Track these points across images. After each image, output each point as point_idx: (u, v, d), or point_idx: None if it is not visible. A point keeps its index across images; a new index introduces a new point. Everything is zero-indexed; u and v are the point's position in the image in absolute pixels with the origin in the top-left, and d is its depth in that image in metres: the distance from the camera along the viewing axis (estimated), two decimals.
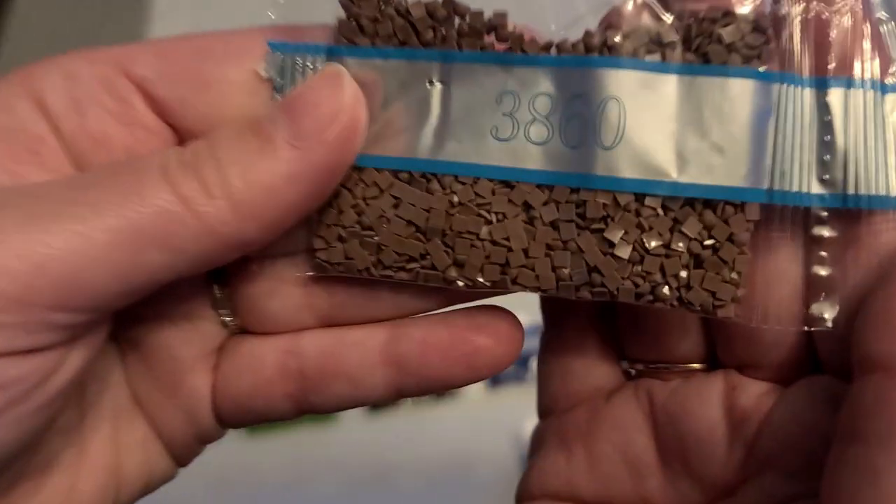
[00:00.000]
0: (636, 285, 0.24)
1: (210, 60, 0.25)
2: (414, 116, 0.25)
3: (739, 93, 0.24)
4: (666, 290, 0.24)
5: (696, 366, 0.28)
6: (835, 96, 0.24)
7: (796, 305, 0.24)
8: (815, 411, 0.24)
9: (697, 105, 0.24)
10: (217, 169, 0.23)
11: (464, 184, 0.25)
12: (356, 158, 0.25)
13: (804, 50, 0.24)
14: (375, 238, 0.26)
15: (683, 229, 0.24)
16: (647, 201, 0.24)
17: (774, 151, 0.24)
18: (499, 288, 0.25)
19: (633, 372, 0.30)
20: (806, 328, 0.24)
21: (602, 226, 0.24)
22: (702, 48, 0.24)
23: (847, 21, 0.24)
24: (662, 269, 0.24)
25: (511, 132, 0.24)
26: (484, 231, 0.25)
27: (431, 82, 0.25)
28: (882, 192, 0.24)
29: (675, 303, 0.24)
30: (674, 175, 0.24)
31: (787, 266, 0.24)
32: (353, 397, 0.27)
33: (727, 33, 0.23)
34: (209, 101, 0.25)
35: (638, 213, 0.24)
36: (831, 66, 0.24)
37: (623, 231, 0.24)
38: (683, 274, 0.24)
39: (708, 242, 0.24)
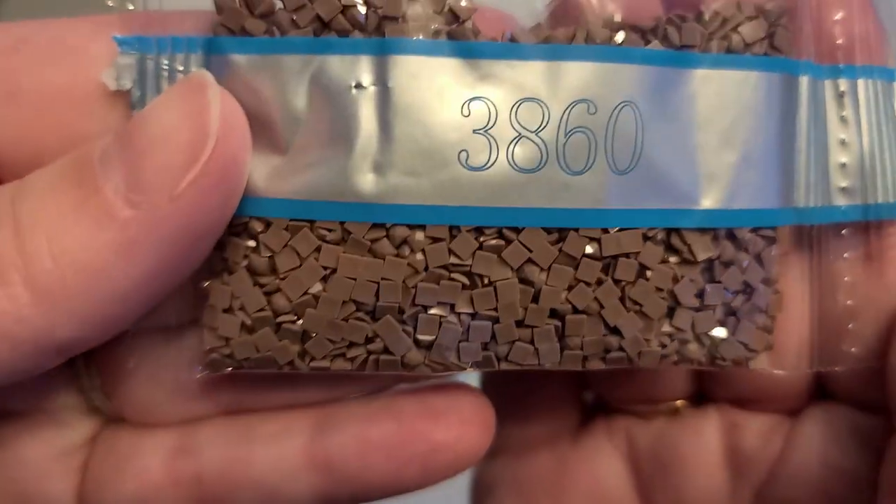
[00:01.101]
0: (663, 346, 0.18)
1: (21, 60, 0.16)
2: (336, 138, 0.17)
3: (769, 90, 0.18)
4: (695, 348, 0.19)
5: (679, 403, 0.23)
6: (847, 87, 0.19)
7: (823, 342, 0.20)
8: (839, 448, 0.21)
9: (724, 107, 0.18)
10: (15, 237, 0.15)
11: (433, 240, 0.17)
12: (255, 205, 0.17)
13: (812, 36, 0.19)
14: (299, 323, 0.17)
15: (716, 273, 0.18)
16: (675, 240, 0.18)
17: (801, 159, 0.19)
18: (482, 369, 0.18)
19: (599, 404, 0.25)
20: (838, 368, 0.20)
21: (629, 276, 0.18)
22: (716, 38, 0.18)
23: (848, 4, 0.19)
24: (693, 325, 0.18)
25: (488, 158, 0.17)
26: (462, 302, 0.17)
27: (359, 85, 0.16)
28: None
29: (704, 361, 0.19)
30: (702, 201, 0.18)
31: (810, 296, 0.20)
32: None
33: (747, 28, 0.18)
34: (17, 120, 0.16)
35: (667, 256, 0.18)
36: (839, 52, 0.19)
37: (656, 279, 0.18)
38: (718, 328, 0.19)
39: (738, 287, 0.19)
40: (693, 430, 0.22)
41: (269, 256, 0.17)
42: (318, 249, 0.17)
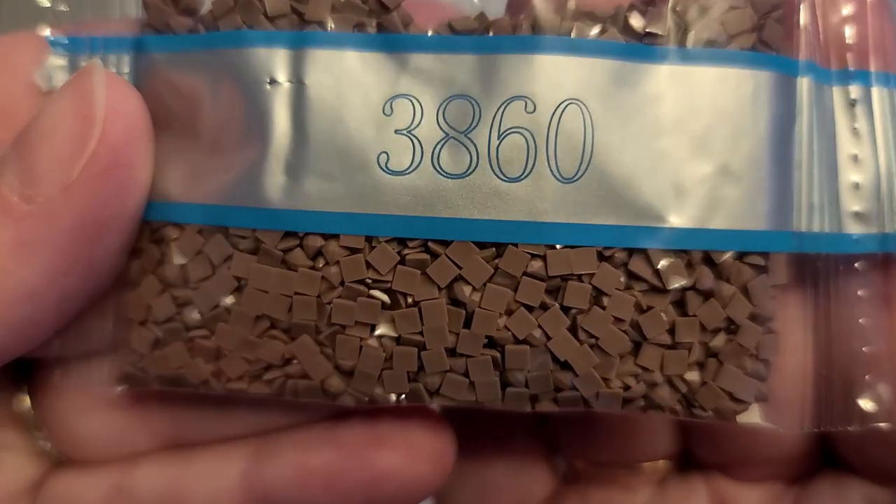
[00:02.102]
0: (625, 388, 0.16)
1: None
2: (251, 138, 0.15)
3: (756, 90, 0.15)
4: (666, 393, 0.16)
5: (661, 463, 0.20)
6: (860, 95, 0.17)
7: (832, 395, 0.17)
8: None
9: (697, 109, 0.15)
10: None
11: (349, 250, 0.15)
12: (171, 210, 0.16)
13: (815, 33, 0.16)
14: (212, 338, 0.16)
15: (690, 304, 0.15)
16: (640, 263, 0.15)
17: (802, 174, 0.16)
18: (412, 402, 0.16)
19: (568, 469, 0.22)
20: (851, 428, 0.17)
21: (581, 303, 0.15)
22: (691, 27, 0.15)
23: (858, 6, 0.17)
24: (663, 366, 0.15)
25: (411, 161, 0.15)
26: (382, 324, 0.16)
27: (274, 81, 0.15)
28: None
29: (679, 409, 0.16)
30: (670, 218, 0.15)
31: (814, 340, 0.17)
32: None
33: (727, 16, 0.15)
34: None
35: (630, 282, 0.15)
36: (849, 55, 0.17)
37: (615, 307, 0.15)
38: (692, 372, 0.16)
39: (720, 324, 0.16)
40: None
41: (182, 265, 0.16)
42: (229, 258, 0.16)
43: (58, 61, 0.17)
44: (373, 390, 0.16)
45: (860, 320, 0.17)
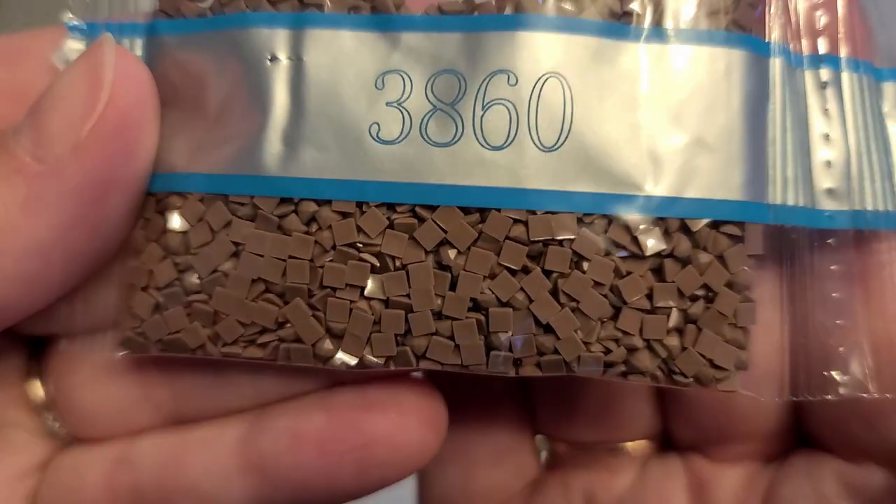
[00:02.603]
0: (606, 352, 0.16)
1: None
2: (252, 112, 0.16)
3: (728, 68, 0.16)
4: (646, 358, 0.16)
5: (639, 444, 0.20)
6: (830, 78, 0.17)
7: (807, 366, 0.17)
8: None
9: (672, 84, 0.16)
10: None
11: (341, 215, 0.16)
12: (176, 181, 0.17)
13: (786, 18, 0.17)
14: (210, 302, 0.17)
15: (667, 271, 0.16)
16: (618, 230, 0.16)
17: (776, 150, 0.17)
18: (399, 366, 0.17)
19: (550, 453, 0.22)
20: (829, 397, 0.17)
21: (561, 267, 0.16)
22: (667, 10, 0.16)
23: None
24: (643, 329, 0.16)
25: (401, 130, 0.16)
26: (372, 286, 0.16)
27: (274, 58, 0.16)
28: (890, 207, 0.17)
29: (659, 375, 0.16)
30: (646, 186, 0.16)
31: (790, 311, 0.17)
32: None
33: None
34: None
35: (609, 248, 0.16)
36: (819, 40, 0.17)
37: (595, 271, 0.16)
38: (672, 337, 0.16)
39: (698, 291, 0.16)
40: (658, 491, 0.19)
41: (184, 232, 0.17)
42: (228, 224, 0.16)
43: (75, 45, 0.18)
44: (362, 353, 0.16)
45: (833, 294, 0.17)
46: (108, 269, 0.18)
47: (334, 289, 0.16)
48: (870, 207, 0.17)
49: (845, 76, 0.17)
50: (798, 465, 0.18)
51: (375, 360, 0.16)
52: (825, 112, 0.17)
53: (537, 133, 0.16)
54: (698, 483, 0.19)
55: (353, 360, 0.16)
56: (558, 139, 0.16)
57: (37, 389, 0.19)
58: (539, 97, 0.16)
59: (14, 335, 0.19)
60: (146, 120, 0.16)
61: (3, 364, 0.19)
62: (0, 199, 0.16)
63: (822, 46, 0.17)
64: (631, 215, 0.16)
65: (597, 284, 0.16)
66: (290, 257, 0.16)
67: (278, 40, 0.16)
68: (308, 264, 0.16)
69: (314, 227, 0.16)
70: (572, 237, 0.16)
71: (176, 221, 0.17)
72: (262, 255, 0.16)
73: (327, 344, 0.16)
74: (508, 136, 0.16)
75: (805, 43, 0.17)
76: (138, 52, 0.18)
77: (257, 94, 0.16)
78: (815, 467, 0.18)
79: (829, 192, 0.17)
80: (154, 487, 0.18)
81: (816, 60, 0.17)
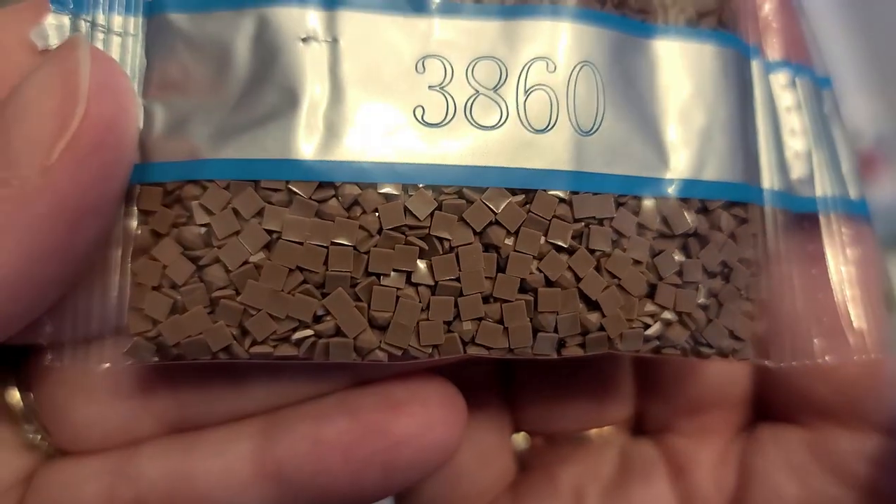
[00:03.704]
0: (646, 327, 0.17)
1: None
2: (283, 92, 0.16)
3: (725, 64, 0.18)
4: (679, 331, 0.17)
5: (614, 431, 0.21)
6: (789, 82, 0.20)
7: (801, 335, 0.19)
8: (813, 486, 0.19)
9: (682, 78, 0.17)
10: None
11: (387, 197, 0.15)
12: (193, 168, 0.15)
13: (758, 28, 0.20)
14: (237, 299, 0.15)
15: (692, 249, 0.17)
16: (650, 210, 0.17)
17: (760, 142, 0.19)
18: (446, 355, 0.16)
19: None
20: (820, 361, 0.19)
21: (604, 245, 0.16)
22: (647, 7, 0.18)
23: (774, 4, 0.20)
24: (675, 303, 0.17)
25: (446, 113, 0.16)
26: (420, 270, 0.16)
27: (307, 38, 0.16)
28: (839, 192, 0.20)
29: (687, 347, 0.17)
30: (670, 169, 0.17)
31: (784, 287, 0.19)
32: None
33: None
34: None
35: (642, 226, 0.17)
36: (781, 48, 0.20)
37: (634, 250, 0.16)
38: (699, 311, 0.17)
39: (717, 268, 0.17)
40: (644, 483, 0.20)
41: (205, 225, 0.15)
42: (261, 213, 0.15)
43: (57, 20, 0.16)
44: (407, 343, 0.16)
45: (812, 271, 0.19)
46: (94, 277, 0.16)
47: (380, 276, 0.15)
48: (829, 194, 0.19)
49: (798, 80, 0.20)
50: (766, 437, 0.20)
51: (421, 350, 0.16)
52: (788, 110, 0.19)
53: (576, 118, 0.16)
54: (677, 465, 0.20)
55: (397, 352, 0.16)
56: (594, 124, 0.16)
57: (13, 399, 0.17)
58: (576, 84, 0.16)
59: None
60: (127, 134, 0.15)
61: None
62: None
63: (781, 53, 0.20)
64: (660, 197, 0.17)
65: (635, 262, 0.16)
66: (333, 244, 0.15)
67: (310, 20, 0.16)
68: (352, 251, 0.15)
69: (357, 212, 0.15)
70: (612, 216, 0.16)
71: (196, 212, 0.15)
72: (301, 243, 0.15)
73: (369, 335, 0.16)
74: (550, 119, 0.16)
75: (769, 49, 0.19)
76: (132, 30, 0.16)
77: (289, 75, 0.15)
78: (782, 438, 0.20)
79: (800, 180, 0.19)
80: (160, 501, 0.16)
81: (778, 65, 0.20)
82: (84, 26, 0.16)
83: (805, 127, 0.20)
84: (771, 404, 0.20)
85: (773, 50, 0.20)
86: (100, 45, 0.16)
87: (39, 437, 0.17)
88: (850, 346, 0.19)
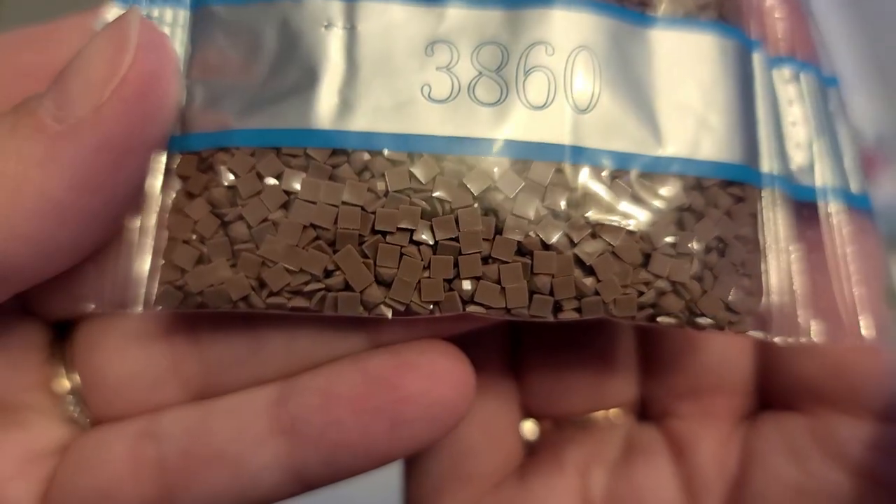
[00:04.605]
0: (640, 294, 0.17)
1: (26, 49, 0.19)
2: (306, 71, 0.17)
3: (722, 52, 0.19)
4: (673, 300, 0.18)
5: (619, 413, 0.22)
6: (793, 76, 0.21)
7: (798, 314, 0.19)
8: (813, 470, 0.19)
9: (679, 63, 0.19)
10: None
11: (394, 163, 0.17)
12: (224, 138, 0.17)
13: (761, 24, 0.21)
14: (256, 252, 0.17)
15: (686, 223, 0.18)
16: (641, 185, 0.18)
17: (760, 130, 0.20)
18: (446, 312, 0.17)
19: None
20: (817, 340, 0.19)
21: (603, 215, 0.17)
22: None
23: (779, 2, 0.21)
24: (669, 273, 0.17)
25: (450, 91, 0.17)
26: (421, 230, 0.17)
27: (329, 25, 0.18)
28: (840, 185, 0.20)
29: (682, 317, 0.18)
30: (666, 147, 0.18)
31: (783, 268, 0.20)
32: (237, 492, 0.17)
33: None
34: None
35: (637, 199, 0.18)
36: (785, 44, 0.21)
37: (627, 220, 0.17)
38: (694, 279, 0.18)
39: (712, 243, 0.18)
40: (646, 465, 0.21)
41: (231, 186, 0.17)
42: (280, 175, 0.17)
43: (115, 11, 0.18)
44: (410, 299, 0.17)
45: (810, 255, 0.19)
46: (133, 244, 0.18)
47: (385, 234, 0.17)
48: (830, 185, 0.20)
49: (803, 76, 0.21)
50: (769, 423, 0.20)
51: (422, 305, 0.17)
52: (790, 102, 0.20)
53: (573, 97, 0.17)
54: (679, 448, 0.21)
55: (400, 307, 0.17)
56: (590, 103, 0.18)
57: (59, 375, 0.19)
58: (573, 65, 0.18)
59: (37, 320, 0.19)
60: (167, 86, 0.17)
61: (24, 347, 0.19)
62: (17, 156, 0.16)
63: (785, 49, 0.20)
64: (654, 173, 0.18)
65: (629, 232, 0.17)
66: (344, 203, 0.17)
67: (333, 11, 0.18)
68: (360, 211, 0.17)
69: (367, 176, 0.17)
70: (606, 186, 0.17)
71: (224, 175, 0.17)
72: (314, 203, 0.17)
73: (375, 290, 0.17)
74: (548, 97, 0.17)
75: (773, 45, 0.20)
76: (181, 21, 0.19)
77: (312, 55, 0.17)
78: (783, 423, 0.20)
79: (800, 168, 0.20)
80: (180, 457, 0.17)
81: (782, 60, 0.20)
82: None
83: (807, 119, 0.20)
84: (773, 392, 0.20)
85: (777, 46, 0.20)
86: None
87: (79, 411, 0.19)
88: (847, 330, 0.19)
